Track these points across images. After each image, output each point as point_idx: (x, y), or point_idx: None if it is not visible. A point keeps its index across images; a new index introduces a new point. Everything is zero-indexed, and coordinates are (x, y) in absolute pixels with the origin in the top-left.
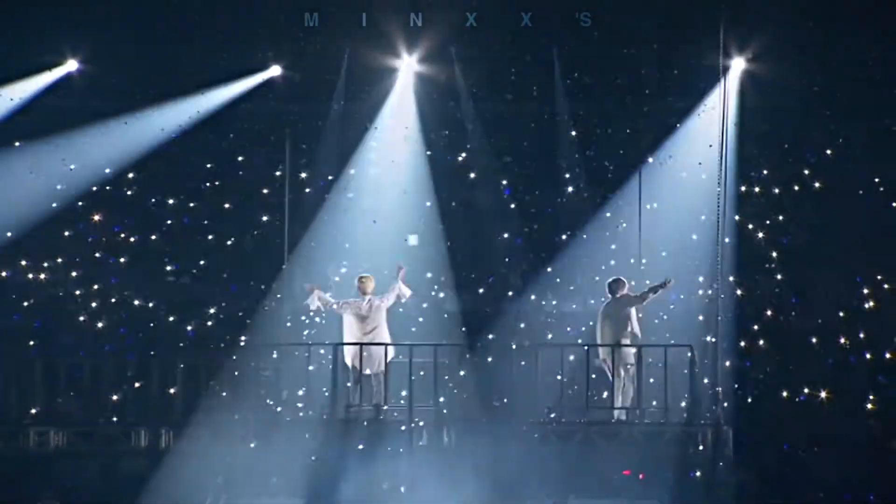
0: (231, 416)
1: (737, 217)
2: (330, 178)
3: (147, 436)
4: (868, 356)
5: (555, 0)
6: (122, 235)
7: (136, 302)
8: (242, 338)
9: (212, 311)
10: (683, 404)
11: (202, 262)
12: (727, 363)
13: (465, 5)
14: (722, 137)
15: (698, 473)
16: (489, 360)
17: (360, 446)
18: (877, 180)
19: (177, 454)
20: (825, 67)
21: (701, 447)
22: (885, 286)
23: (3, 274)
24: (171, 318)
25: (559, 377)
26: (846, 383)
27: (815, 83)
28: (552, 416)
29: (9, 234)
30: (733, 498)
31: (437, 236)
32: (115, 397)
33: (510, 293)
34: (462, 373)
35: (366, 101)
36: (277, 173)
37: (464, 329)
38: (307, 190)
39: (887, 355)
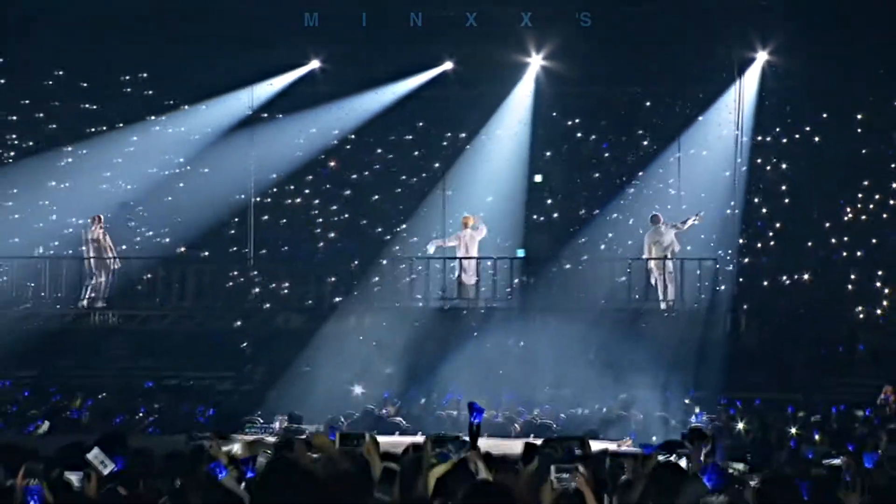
0: (385, 303)
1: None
2: (483, 137)
3: (351, 316)
4: (844, 254)
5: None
6: (346, 175)
7: (356, 219)
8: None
9: (403, 227)
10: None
11: (398, 190)
12: (746, 260)
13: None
14: (739, 106)
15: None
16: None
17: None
18: (858, 131)
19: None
20: (829, 59)
21: (722, 326)
22: (859, 206)
23: (268, 200)
24: (378, 230)
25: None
26: (830, 273)
27: (820, 70)
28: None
29: (274, 175)
30: (742, 355)
31: (555, 177)
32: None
33: (597, 212)
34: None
35: (504, 86)
36: (448, 134)
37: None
38: (467, 147)
39: (858, 254)
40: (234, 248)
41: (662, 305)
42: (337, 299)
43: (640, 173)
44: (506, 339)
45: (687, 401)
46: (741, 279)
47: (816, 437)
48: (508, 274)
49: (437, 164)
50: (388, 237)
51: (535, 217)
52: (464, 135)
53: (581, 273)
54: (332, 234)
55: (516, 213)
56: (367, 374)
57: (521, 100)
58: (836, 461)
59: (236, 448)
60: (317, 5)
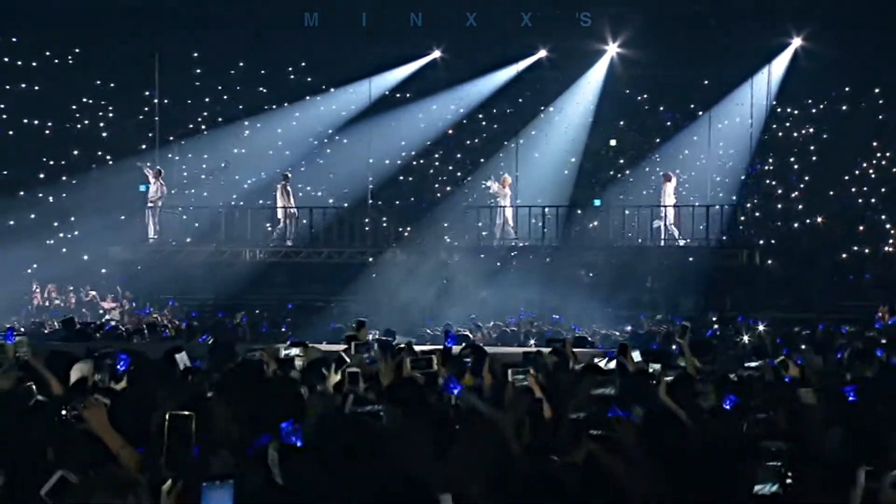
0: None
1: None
2: (568, 110)
3: (442, 252)
4: (860, 200)
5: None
6: (460, 141)
7: (466, 176)
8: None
9: (487, 183)
10: None
11: (500, 154)
12: (780, 205)
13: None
14: (768, 81)
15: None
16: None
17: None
18: (878, 102)
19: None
20: (852, 42)
21: (739, 259)
22: (873, 161)
23: (398, 162)
24: (483, 185)
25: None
26: (847, 214)
27: (844, 52)
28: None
29: (403, 142)
30: (762, 282)
31: (626, 142)
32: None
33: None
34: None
35: (586, 69)
36: (541, 108)
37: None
38: (555, 118)
39: (872, 200)
40: (370, 201)
41: (661, 244)
42: (447, 238)
43: (695, 138)
44: (574, 271)
45: (712, 318)
46: (771, 222)
47: (803, 347)
48: (567, 220)
49: (533, 132)
50: (490, 190)
51: (609, 173)
52: (552, 108)
53: (630, 218)
54: (448, 189)
55: (594, 171)
56: (457, 299)
57: (598, 80)
58: (754, 364)
59: (295, 351)
60: (426, 6)
